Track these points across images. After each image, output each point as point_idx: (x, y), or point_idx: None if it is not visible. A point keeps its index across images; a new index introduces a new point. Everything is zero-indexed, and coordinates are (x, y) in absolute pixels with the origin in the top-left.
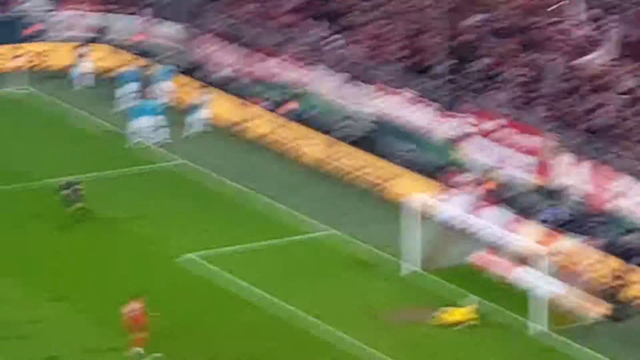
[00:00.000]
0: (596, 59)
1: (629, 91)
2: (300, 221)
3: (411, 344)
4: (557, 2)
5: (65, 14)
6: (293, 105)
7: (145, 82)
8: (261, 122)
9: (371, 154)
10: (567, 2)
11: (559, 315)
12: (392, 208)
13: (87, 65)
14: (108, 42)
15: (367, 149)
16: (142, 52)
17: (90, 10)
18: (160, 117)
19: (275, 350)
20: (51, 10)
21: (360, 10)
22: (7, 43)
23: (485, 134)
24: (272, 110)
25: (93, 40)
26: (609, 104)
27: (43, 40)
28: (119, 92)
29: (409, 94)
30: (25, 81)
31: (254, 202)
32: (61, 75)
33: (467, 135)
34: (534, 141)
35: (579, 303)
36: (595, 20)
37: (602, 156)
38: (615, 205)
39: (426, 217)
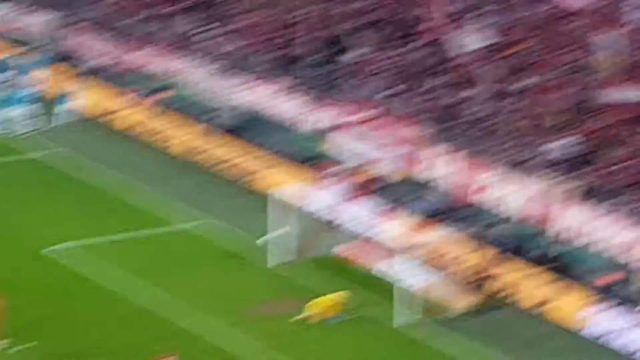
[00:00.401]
0: (468, 48)
1: (499, 82)
2: (171, 212)
3: (277, 336)
4: None
5: None
6: (165, 95)
7: (16, 71)
8: (133, 112)
9: (242, 144)
10: None
11: (427, 307)
12: (262, 199)
13: None
14: None
15: (239, 139)
16: (15, 40)
17: None
18: (31, 106)
19: (144, 341)
20: None
21: (228, 2)
22: None
23: (356, 125)
24: (143, 100)
25: None
26: (479, 95)
27: None
28: None
29: (280, 84)
30: None
31: (125, 192)
32: None
33: (339, 126)
34: (404, 132)
35: (447, 294)
36: (466, 10)
37: (471, 147)
38: (483, 196)
39: (296, 208)
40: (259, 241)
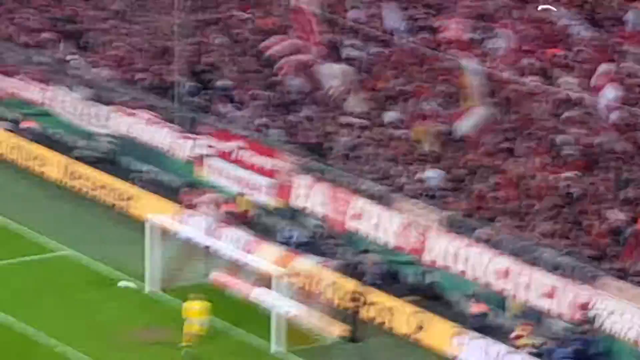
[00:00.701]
0: (339, 78)
1: (365, 114)
2: (40, 240)
3: None
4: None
5: None
6: (33, 124)
7: None
8: (6, 138)
9: (111, 173)
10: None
11: (297, 336)
12: (133, 228)
13: None
14: None
15: (108, 169)
16: None
17: None
18: None
19: None
20: None
21: (101, 30)
22: None
23: (225, 155)
24: (11, 129)
25: None
26: (347, 126)
27: None
28: None
29: (149, 114)
30: None
31: None
32: None
33: (207, 156)
34: (273, 162)
35: (317, 324)
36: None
37: (339, 178)
38: (351, 226)
39: (166, 237)
40: (120, 284)
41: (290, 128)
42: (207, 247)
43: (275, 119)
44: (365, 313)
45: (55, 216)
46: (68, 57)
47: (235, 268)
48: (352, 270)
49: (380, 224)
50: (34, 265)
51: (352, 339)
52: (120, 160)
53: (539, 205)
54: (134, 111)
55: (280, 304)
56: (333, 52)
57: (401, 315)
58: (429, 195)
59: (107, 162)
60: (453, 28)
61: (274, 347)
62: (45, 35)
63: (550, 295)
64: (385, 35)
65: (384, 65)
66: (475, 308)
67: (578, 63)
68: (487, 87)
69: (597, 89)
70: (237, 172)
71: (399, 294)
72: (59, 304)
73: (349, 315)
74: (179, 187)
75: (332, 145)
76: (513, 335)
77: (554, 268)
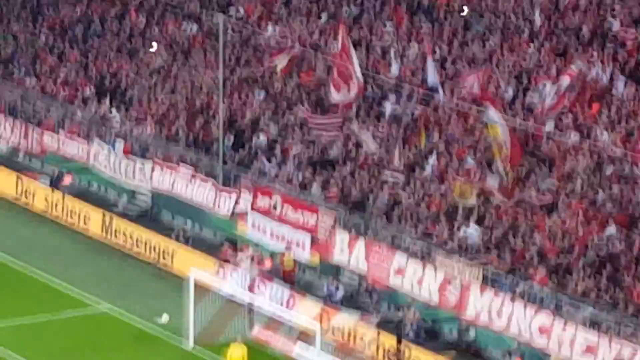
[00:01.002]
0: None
1: (405, 170)
2: (80, 296)
3: None
4: None
5: None
6: (72, 180)
7: None
8: (40, 197)
9: (151, 229)
10: None
11: None
12: (172, 283)
13: None
14: None
15: (147, 224)
16: None
17: None
18: None
19: None
20: None
21: (140, 86)
22: None
23: (265, 211)
24: (51, 185)
25: None
26: (386, 183)
27: None
28: None
29: (188, 169)
30: None
31: (32, 276)
32: None
33: (246, 212)
34: (312, 218)
35: None
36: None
37: (379, 234)
38: (391, 282)
39: (205, 293)
40: (162, 320)
41: (330, 184)
42: (247, 304)
43: (315, 175)
44: None
45: (95, 271)
46: (109, 113)
47: (276, 324)
48: (392, 327)
49: (421, 280)
50: (74, 320)
51: None
52: (161, 216)
53: (579, 261)
54: (174, 167)
55: None
56: (371, 109)
57: None
58: (469, 252)
59: (148, 218)
60: (491, 84)
61: None
62: (86, 91)
63: (590, 351)
64: (425, 91)
65: (424, 121)
66: None
67: (618, 119)
68: (509, 141)
69: (638, 145)
70: (278, 228)
71: (439, 351)
72: None
73: None
74: (220, 243)
75: (372, 201)
76: None
77: (595, 324)
